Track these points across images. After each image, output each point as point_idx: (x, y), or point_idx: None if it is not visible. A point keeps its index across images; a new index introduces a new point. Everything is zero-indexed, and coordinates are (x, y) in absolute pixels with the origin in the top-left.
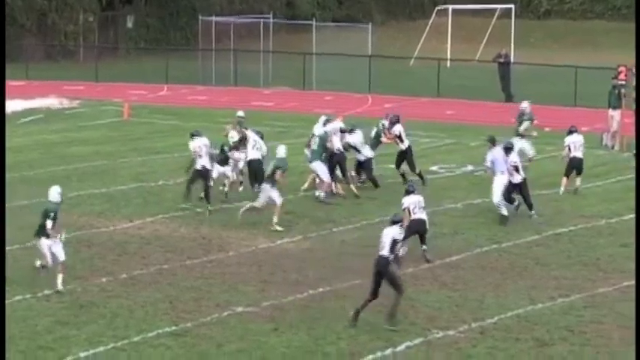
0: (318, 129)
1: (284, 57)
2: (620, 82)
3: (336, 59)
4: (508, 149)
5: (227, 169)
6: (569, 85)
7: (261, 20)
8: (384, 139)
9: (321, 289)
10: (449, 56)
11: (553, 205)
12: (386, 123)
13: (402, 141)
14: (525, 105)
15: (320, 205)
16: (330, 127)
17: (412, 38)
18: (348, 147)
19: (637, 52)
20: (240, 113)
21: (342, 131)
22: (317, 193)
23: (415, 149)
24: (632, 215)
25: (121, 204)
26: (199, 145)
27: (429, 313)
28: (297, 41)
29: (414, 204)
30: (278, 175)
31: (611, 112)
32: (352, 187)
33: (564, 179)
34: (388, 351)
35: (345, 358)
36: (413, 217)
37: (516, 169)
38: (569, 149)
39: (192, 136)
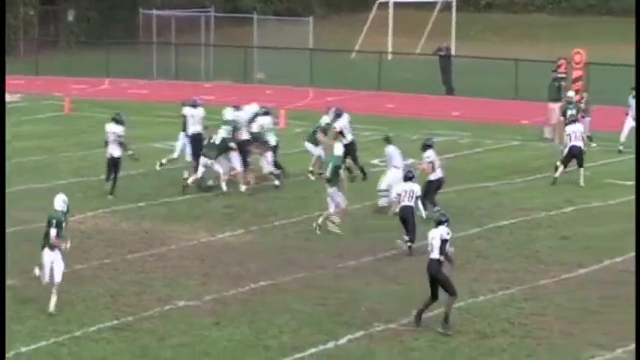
0: (230, 114)
1: (225, 50)
2: (560, 75)
3: (277, 53)
4: (426, 146)
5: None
6: (510, 78)
7: (203, 14)
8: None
9: (262, 283)
10: (390, 49)
11: (494, 198)
12: (327, 119)
13: (344, 136)
14: (571, 94)
15: (262, 198)
16: (242, 115)
17: (353, 31)
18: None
19: (637, 52)
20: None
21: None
22: (242, 188)
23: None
24: (572, 207)
25: None
26: (109, 131)
27: (371, 307)
28: (239, 35)
29: (406, 192)
30: (342, 174)
31: (551, 105)
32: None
33: (561, 167)
34: (330, 344)
35: (287, 351)
36: (403, 203)
37: (433, 166)
38: (570, 138)
39: (112, 120)
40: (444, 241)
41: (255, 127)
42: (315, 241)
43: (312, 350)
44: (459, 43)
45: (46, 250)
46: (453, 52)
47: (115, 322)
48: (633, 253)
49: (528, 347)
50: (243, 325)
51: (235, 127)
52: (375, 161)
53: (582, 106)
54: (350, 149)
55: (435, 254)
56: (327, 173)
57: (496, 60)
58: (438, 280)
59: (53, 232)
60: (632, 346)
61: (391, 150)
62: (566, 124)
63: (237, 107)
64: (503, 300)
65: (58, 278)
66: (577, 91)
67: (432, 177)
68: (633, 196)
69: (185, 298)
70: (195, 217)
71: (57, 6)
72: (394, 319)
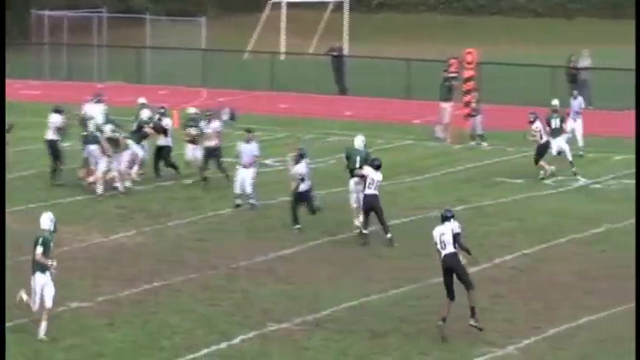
0: (93, 110)
1: (118, 51)
2: (451, 75)
3: (170, 53)
4: (301, 156)
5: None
6: (402, 77)
7: (95, 14)
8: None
9: (156, 284)
10: (283, 50)
11: (387, 197)
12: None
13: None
14: (556, 102)
15: (154, 198)
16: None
17: (246, 32)
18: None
19: (637, 53)
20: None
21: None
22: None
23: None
24: (464, 206)
25: None
26: None
27: (264, 307)
28: (132, 35)
29: (373, 180)
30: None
31: (442, 104)
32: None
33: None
34: (223, 344)
35: (181, 352)
36: (367, 192)
37: (302, 179)
38: (541, 135)
39: None
40: (456, 235)
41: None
42: (208, 241)
43: (206, 351)
44: (352, 43)
45: (38, 275)
46: (345, 52)
47: (9, 324)
48: (524, 251)
49: (421, 345)
50: (136, 326)
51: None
52: (268, 161)
53: (474, 105)
54: (218, 152)
55: (450, 248)
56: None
57: (388, 60)
58: (456, 272)
59: (39, 249)
60: (524, 343)
61: (244, 147)
62: (535, 122)
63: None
64: (396, 299)
65: (49, 303)
66: (469, 91)
67: (300, 189)
68: (524, 195)
69: (78, 299)
70: (87, 218)
71: None
72: (287, 318)
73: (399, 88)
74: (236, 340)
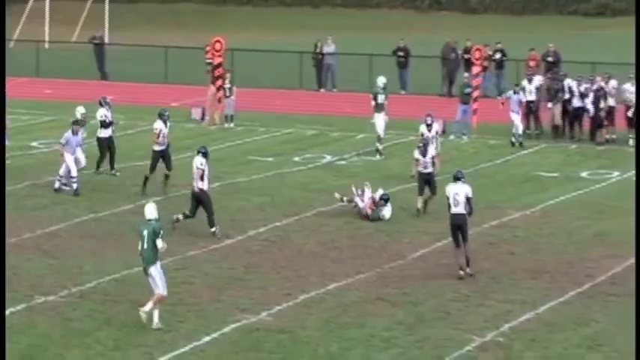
0: None
1: None
2: (208, 61)
3: None
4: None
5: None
6: (160, 64)
7: None
8: None
9: None
10: (47, 38)
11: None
12: None
13: None
14: (383, 79)
15: None
16: None
17: (12, 21)
18: None
19: (637, 53)
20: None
21: None
22: None
23: (15, 126)
24: (219, 183)
25: None
26: None
27: (31, 281)
28: None
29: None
30: None
31: (212, 88)
32: None
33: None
34: None
35: None
36: None
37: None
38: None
39: None
40: (468, 199)
41: None
42: None
43: None
44: (113, 31)
45: (157, 265)
46: (106, 40)
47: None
48: (276, 224)
49: (180, 314)
50: None
51: None
52: (34, 143)
53: (227, 87)
54: None
55: (461, 209)
56: None
57: (147, 47)
58: (461, 229)
59: (160, 243)
60: (276, 309)
61: (70, 135)
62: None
63: None
64: None
65: (164, 291)
66: (219, 77)
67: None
68: (275, 172)
69: None
70: None
71: None
72: (53, 291)
73: (157, 73)
74: (5, 313)
